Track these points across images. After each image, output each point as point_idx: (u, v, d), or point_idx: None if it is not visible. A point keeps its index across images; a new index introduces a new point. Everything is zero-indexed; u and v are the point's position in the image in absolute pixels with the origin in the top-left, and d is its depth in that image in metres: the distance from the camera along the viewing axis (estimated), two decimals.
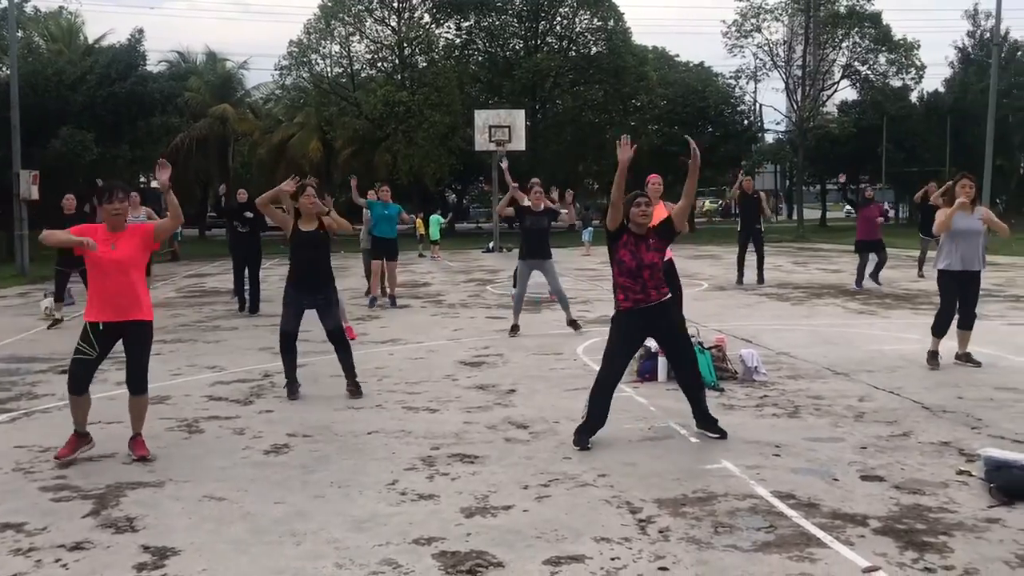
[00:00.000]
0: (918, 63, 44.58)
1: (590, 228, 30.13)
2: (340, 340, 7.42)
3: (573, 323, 10.63)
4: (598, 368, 6.06)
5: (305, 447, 5.85)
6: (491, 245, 31.49)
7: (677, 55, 52.22)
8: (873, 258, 15.52)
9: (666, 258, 7.20)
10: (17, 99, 22.45)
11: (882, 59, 44.92)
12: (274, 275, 18.62)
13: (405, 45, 41.64)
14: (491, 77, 44.24)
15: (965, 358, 8.21)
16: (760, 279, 16.28)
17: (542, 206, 10.49)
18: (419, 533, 4.26)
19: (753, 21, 43.65)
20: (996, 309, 12.21)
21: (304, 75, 41.84)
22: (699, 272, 19.56)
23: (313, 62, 41.48)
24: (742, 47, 44.65)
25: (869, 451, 5.50)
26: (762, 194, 16.85)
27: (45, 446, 5.76)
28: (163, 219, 6.08)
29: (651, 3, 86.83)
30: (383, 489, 4.94)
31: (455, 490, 4.90)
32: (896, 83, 46.09)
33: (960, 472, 5.02)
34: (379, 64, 42.99)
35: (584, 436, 5.69)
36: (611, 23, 42.94)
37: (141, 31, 30.75)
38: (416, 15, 42.47)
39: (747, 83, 49.96)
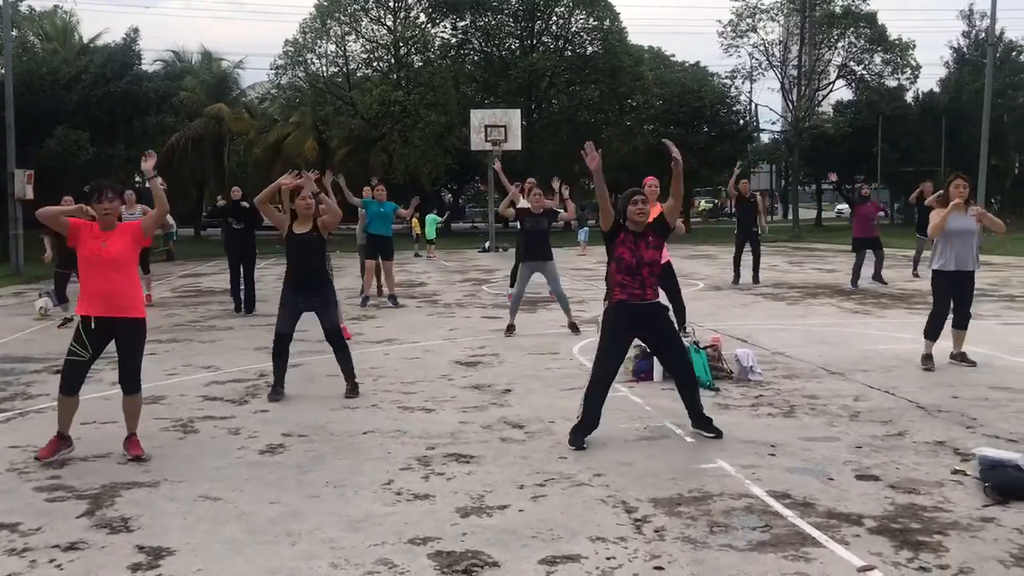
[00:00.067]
0: (913, 63, 44.79)
1: (586, 228, 30.19)
2: (338, 341, 7.40)
3: (573, 325, 10.62)
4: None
5: (300, 447, 5.84)
6: (487, 245, 31.51)
7: (673, 55, 52.44)
8: (870, 256, 15.55)
9: (663, 260, 7.21)
10: (12, 98, 22.37)
11: (877, 59, 45.11)
12: (270, 275, 18.60)
13: (401, 45, 41.61)
14: (487, 77, 44.29)
15: (960, 358, 8.23)
16: (756, 279, 16.32)
17: (541, 208, 10.48)
18: (415, 533, 4.26)
19: (749, 21, 43.87)
20: (991, 309, 12.26)
21: (300, 74, 41.72)
22: (695, 272, 19.60)
23: (309, 61, 41.41)
24: (738, 47, 44.94)
25: (864, 451, 5.51)
26: (759, 196, 16.89)
27: (40, 446, 5.74)
28: (149, 212, 6.07)
29: (647, 3, 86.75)
30: (379, 489, 4.93)
31: (451, 490, 4.89)
32: (891, 83, 46.28)
33: (955, 471, 5.03)
34: (375, 64, 42.93)
35: (580, 436, 5.70)
36: (607, 23, 43.00)
37: (136, 30, 30.75)
38: (412, 15, 42.49)
39: (743, 83, 50.15)
